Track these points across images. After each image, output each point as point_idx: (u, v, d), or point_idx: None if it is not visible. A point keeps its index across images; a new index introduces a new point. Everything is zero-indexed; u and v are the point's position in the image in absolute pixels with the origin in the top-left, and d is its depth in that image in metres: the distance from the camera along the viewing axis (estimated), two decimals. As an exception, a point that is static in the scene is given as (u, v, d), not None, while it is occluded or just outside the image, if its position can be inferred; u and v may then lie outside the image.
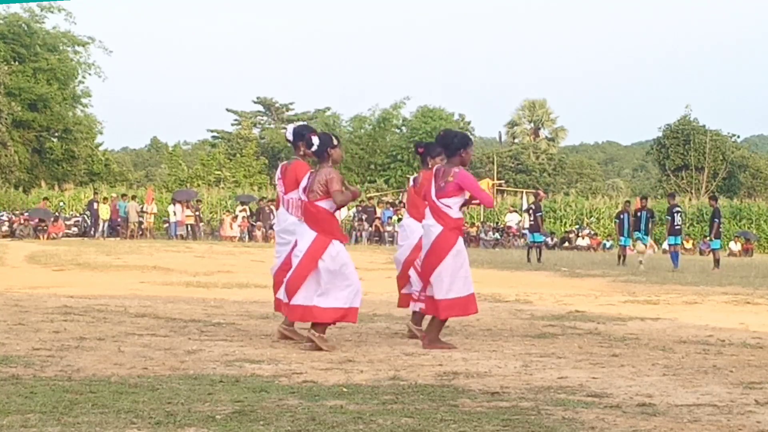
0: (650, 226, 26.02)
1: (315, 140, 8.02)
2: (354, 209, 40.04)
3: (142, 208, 40.10)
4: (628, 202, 30.15)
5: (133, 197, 40.52)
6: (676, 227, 24.38)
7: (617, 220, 27.86)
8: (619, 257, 25.95)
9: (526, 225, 43.57)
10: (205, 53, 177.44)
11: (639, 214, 26.15)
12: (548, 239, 42.80)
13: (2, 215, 39.18)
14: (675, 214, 24.43)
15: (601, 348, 8.14)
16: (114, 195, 41.08)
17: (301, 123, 9.28)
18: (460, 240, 8.21)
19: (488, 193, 8.33)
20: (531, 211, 27.79)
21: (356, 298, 7.89)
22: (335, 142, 8.07)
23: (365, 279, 16.73)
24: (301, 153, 8.58)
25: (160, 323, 9.54)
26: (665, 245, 43.73)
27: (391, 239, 39.48)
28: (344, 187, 7.97)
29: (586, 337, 8.91)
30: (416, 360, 7.29)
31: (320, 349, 7.68)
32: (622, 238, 26.46)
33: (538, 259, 25.92)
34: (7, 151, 48.91)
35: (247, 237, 39.03)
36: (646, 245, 26.30)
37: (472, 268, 8.53)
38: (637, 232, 25.53)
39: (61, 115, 54.70)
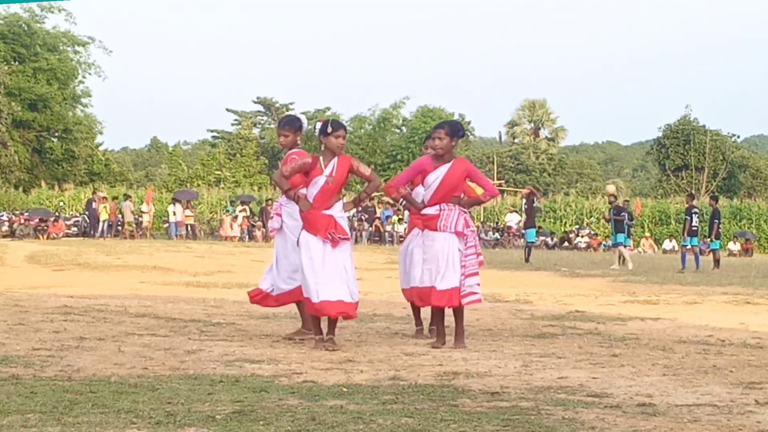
0: (628, 227, 26.10)
1: (316, 127, 8.01)
2: (354, 209, 40.07)
3: (141, 208, 40.10)
4: (627, 201, 30.31)
5: (126, 197, 40.36)
6: (694, 228, 24.21)
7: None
8: (620, 257, 25.94)
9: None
10: (205, 53, 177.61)
11: (621, 215, 26.25)
12: (548, 239, 42.88)
13: (2, 215, 39.18)
14: (693, 215, 24.27)
15: (601, 348, 8.13)
16: (105, 196, 40.77)
17: (293, 114, 9.16)
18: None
19: (392, 185, 8.33)
20: (525, 209, 27.95)
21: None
22: (329, 129, 7.83)
23: (365, 279, 16.79)
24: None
25: (160, 323, 9.54)
26: (666, 245, 44.01)
27: (390, 239, 39.49)
28: (289, 174, 7.91)
29: (586, 337, 8.91)
30: (416, 360, 7.30)
31: (330, 348, 7.73)
32: (626, 239, 26.56)
33: (526, 259, 25.69)
34: (7, 151, 48.92)
35: (247, 237, 39.04)
36: (627, 246, 26.38)
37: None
38: (615, 236, 25.62)
39: (61, 115, 54.71)
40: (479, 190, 8.47)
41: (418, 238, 8.43)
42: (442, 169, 8.07)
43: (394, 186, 8.31)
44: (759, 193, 61.99)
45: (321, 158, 7.88)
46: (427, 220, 8.15)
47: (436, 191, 8.09)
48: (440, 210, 8.10)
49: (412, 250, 8.57)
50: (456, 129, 8.21)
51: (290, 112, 9.56)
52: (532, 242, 27.37)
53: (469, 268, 8.13)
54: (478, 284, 8.19)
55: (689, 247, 24.23)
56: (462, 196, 8.25)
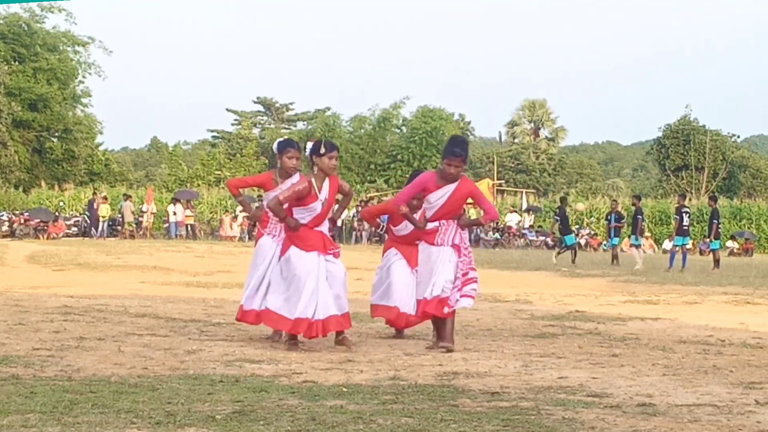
0: (619, 228, 26.11)
1: (308, 146, 7.96)
2: (354, 209, 40.06)
3: (141, 208, 40.11)
4: (615, 201, 30.44)
5: (126, 196, 40.32)
6: (684, 227, 24.07)
7: (606, 221, 27.98)
8: (613, 258, 25.93)
9: (526, 225, 43.76)
10: (205, 53, 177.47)
11: (609, 217, 26.20)
12: (548, 239, 42.88)
13: (2, 215, 39.16)
14: (683, 215, 24.10)
15: (601, 348, 8.14)
16: (106, 196, 40.81)
17: (287, 138, 9.17)
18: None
19: (395, 201, 8.45)
20: (555, 216, 27.84)
21: (299, 309, 7.70)
22: (323, 150, 7.77)
23: (365, 279, 16.76)
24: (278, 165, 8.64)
25: (160, 323, 9.55)
26: (665, 245, 44.00)
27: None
28: (285, 202, 7.77)
29: (586, 337, 8.91)
30: (416, 360, 7.30)
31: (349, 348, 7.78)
32: (613, 239, 26.69)
33: (573, 261, 25.33)
34: (7, 151, 48.89)
35: (247, 237, 39.03)
36: (616, 246, 26.38)
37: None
38: (613, 239, 25.61)
39: (61, 115, 54.65)
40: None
41: (395, 257, 8.63)
42: (448, 188, 7.97)
43: (395, 203, 8.28)
44: (759, 193, 61.93)
45: (313, 181, 7.81)
46: (426, 234, 8.11)
47: (439, 209, 8.00)
48: (440, 225, 8.05)
49: (389, 267, 8.64)
50: (468, 154, 8.21)
51: (284, 137, 9.62)
52: (573, 244, 26.78)
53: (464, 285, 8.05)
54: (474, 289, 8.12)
55: (680, 246, 24.17)
56: (463, 214, 8.22)
